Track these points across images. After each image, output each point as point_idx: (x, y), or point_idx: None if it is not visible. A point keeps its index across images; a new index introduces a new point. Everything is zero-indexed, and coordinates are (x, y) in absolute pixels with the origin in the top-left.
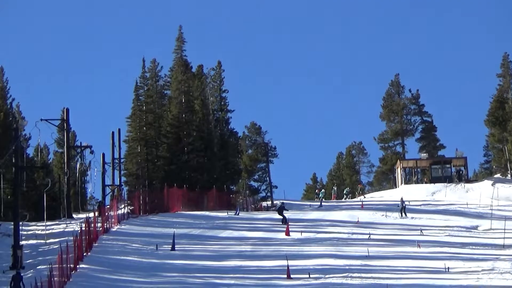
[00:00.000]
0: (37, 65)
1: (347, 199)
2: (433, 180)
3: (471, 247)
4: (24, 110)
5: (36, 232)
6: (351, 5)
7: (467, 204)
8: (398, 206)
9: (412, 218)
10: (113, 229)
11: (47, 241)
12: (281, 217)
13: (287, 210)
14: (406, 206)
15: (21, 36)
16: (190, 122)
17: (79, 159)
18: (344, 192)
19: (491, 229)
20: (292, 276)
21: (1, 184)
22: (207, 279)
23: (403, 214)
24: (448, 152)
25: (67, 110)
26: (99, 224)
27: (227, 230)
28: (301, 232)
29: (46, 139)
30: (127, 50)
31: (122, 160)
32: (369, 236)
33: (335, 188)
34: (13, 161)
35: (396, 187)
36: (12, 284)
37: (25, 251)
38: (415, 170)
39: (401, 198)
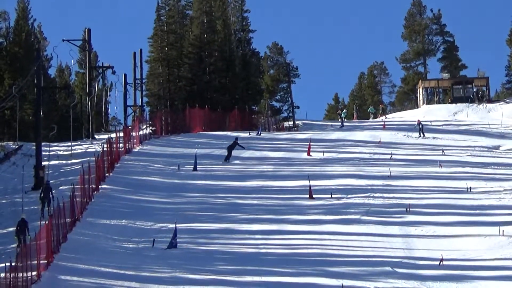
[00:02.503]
0: None
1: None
2: (455, 100)
3: (493, 167)
4: (45, 31)
5: (58, 152)
6: None
7: (489, 124)
8: (415, 127)
9: (434, 138)
10: (135, 150)
11: (69, 162)
12: (228, 153)
13: (243, 148)
14: (427, 126)
15: None
16: (212, 42)
17: (101, 80)
18: (369, 110)
19: None
20: (314, 196)
21: (17, 105)
22: (229, 199)
23: (422, 134)
24: (470, 72)
25: (89, 30)
26: (121, 145)
27: (249, 151)
28: (323, 152)
29: (67, 60)
30: None
31: (143, 81)
32: (391, 156)
33: (355, 107)
34: (35, 81)
35: (417, 107)
36: (42, 194)
37: (47, 172)
38: (437, 90)
39: (418, 120)
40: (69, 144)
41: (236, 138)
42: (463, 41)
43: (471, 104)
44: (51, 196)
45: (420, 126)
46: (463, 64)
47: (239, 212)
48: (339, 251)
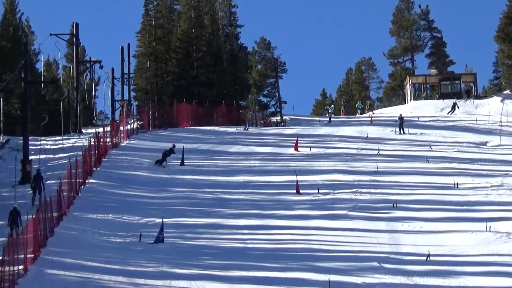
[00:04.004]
0: None
1: (360, 114)
2: (442, 96)
3: (480, 163)
4: (33, 25)
5: (46, 147)
6: None
7: (476, 120)
8: (396, 121)
9: (421, 134)
10: (122, 144)
11: (57, 156)
12: (162, 158)
13: (171, 154)
14: (414, 122)
15: None
16: (200, 37)
17: (89, 74)
18: (357, 106)
19: (500, 145)
20: (301, 191)
21: (1, 100)
22: (216, 194)
23: (402, 131)
24: (458, 68)
25: (77, 25)
26: (108, 139)
27: (236, 145)
28: (310, 147)
29: (55, 54)
30: None
31: (131, 75)
32: (378, 152)
33: (343, 103)
34: (22, 75)
35: (405, 103)
36: (33, 184)
37: (34, 166)
38: (425, 86)
39: (400, 115)
40: (56, 138)
41: (174, 146)
42: (451, 37)
43: (458, 100)
44: (42, 185)
45: (401, 121)
46: (451, 60)
47: (226, 207)
48: (326, 247)
